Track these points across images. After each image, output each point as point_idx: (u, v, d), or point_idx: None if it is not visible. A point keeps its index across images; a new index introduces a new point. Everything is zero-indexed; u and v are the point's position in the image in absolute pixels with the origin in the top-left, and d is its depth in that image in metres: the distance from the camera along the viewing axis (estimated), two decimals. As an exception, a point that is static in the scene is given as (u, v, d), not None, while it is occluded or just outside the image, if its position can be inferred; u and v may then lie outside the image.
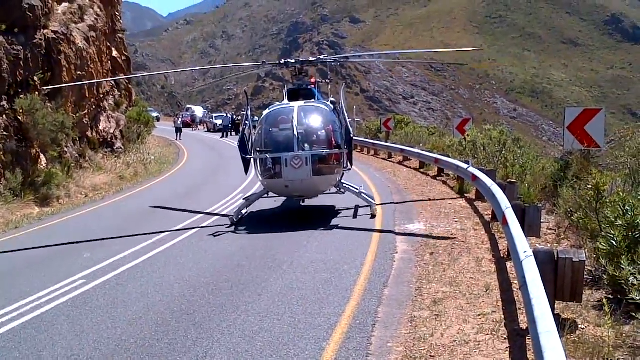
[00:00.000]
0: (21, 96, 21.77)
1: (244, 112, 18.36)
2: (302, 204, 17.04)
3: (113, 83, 34.46)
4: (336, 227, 14.76)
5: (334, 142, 15.47)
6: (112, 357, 7.30)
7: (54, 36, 24.55)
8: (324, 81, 21.19)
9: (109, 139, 31.91)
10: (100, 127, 31.05)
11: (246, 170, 16.24)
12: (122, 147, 33.15)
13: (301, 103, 16.20)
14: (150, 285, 10.39)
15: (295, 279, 10.18)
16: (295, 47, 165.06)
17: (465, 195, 18.54)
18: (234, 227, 15.29)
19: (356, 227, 14.66)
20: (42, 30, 23.81)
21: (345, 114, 16.03)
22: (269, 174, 15.28)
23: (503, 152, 20.11)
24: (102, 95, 31.36)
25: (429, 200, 18.29)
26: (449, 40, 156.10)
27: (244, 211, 16.52)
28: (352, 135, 16.22)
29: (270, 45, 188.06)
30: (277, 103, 17.95)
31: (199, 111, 76.38)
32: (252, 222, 15.94)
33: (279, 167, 14.77)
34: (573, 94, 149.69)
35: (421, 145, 29.62)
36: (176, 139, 49.80)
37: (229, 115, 60.77)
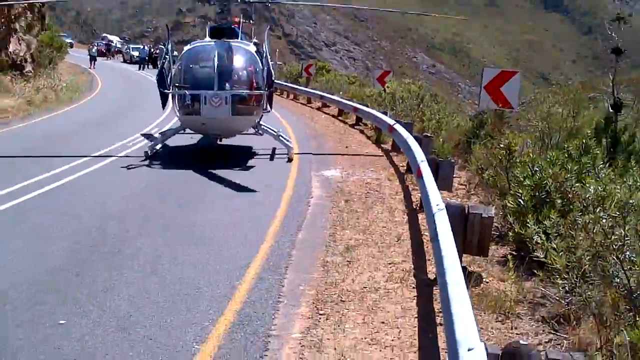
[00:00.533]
0: None
1: (163, 46, 17.88)
2: (219, 143, 16.88)
3: (26, 5, 32.86)
4: (252, 167, 14.76)
5: (254, 84, 15.30)
6: (16, 288, 7.07)
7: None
8: (247, 22, 20.85)
9: (19, 62, 30.61)
10: (10, 49, 29.73)
11: (163, 104, 15.92)
12: (32, 71, 31.86)
13: (224, 41, 15.84)
14: (57, 214, 10.09)
15: (208, 218, 10.13)
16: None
17: (382, 145, 18.77)
18: (148, 160, 15.00)
19: (273, 169, 14.68)
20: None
21: (268, 57, 15.84)
22: (186, 110, 15.05)
23: (420, 107, 20.40)
24: (13, 17, 29.91)
25: (346, 147, 18.45)
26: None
27: (158, 146, 16.17)
28: (273, 78, 16.09)
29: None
30: (199, 40, 17.55)
31: (114, 40, 74.03)
32: (167, 158, 15.67)
33: (198, 104, 14.53)
34: (490, 54, 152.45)
35: (341, 93, 29.68)
36: (90, 67, 48.16)
37: (146, 47, 59.05)
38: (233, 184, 12.82)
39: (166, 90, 15.34)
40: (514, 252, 8.21)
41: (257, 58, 16.01)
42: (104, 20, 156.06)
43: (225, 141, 16.65)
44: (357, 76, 46.73)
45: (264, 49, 16.16)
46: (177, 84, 15.21)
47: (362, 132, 21.89)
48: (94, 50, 52.40)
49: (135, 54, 57.48)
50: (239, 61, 15.51)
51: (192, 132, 16.17)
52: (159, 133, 16.96)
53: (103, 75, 43.18)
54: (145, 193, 11.92)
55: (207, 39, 16.64)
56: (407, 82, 23.54)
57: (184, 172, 13.94)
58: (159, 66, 16.45)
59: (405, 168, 14.56)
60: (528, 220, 7.72)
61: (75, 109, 27.15)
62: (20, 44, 30.86)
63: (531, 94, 20.34)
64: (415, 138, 13.87)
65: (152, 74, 46.19)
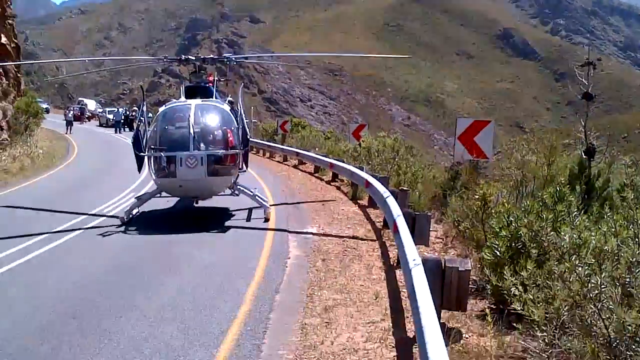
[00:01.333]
0: None
1: (138, 108, 17.88)
2: (196, 205, 16.80)
3: (0, 70, 32.95)
4: (229, 229, 14.68)
5: (230, 143, 15.26)
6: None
7: None
8: (222, 80, 20.99)
9: (-6, 130, 30.53)
10: (-16, 117, 29.67)
11: (139, 168, 15.84)
12: (8, 138, 31.75)
13: (198, 101, 15.95)
14: (33, 287, 9.92)
15: (187, 283, 10.03)
16: (194, 43, 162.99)
17: (359, 201, 18.80)
18: (124, 227, 14.84)
19: (249, 229, 14.62)
20: None
21: (243, 115, 15.92)
22: (162, 173, 14.98)
23: (396, 160, 20.52)
24: (-14, 84, 29.96)
25: (322, 202, 18.46)
26: (348, 45, 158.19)
27: (134, 211, 16.02)
28: (248, 137, 16.15)
29: (168, 41, 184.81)
30: (174, 100, 17.59)
31: (91, 104, 74.28)
32: (143, 223, 15.49)
33: (174, 166, 14.51)
34: (465, 104, 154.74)
35: (316, 149, 29.83)
36: (66, 133, 48.08)
37: (120, 110, 59.28)
38: (209, 247, 12.72)
39: (141, 153, 15.29)
40: (492, 306, 8.18)
41: (232, 117, 16.04)
42: (80, 84, 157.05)
43: (201, 203, 16.55)
44: (333, 131, 47.15)
45: (239, 107, 16.24)
46: (152, 146, 15.16)
47: (338, 188, 21.93)
48: (70, 115, 52.45)
49: (111, 116, 57.50)
50: (213, 121, 15.55)
51: (169, 195, 16.09)
52: (135, 197, 16.83)
53: (79, 140, 43.05)
54: (119, 263, 11.68)
55: (182, 99, 16.72)
56: (382, 135, 23.67)
57: (160, 237, 13.82)
58: (135, 128, 16.42)
59: (382, 223, 14.55)
60: (505, 272, 7.70)
61: (51, 176, 26.96)
62: (-6, 112, 30.83)
63: (506, 143, 20.56)
64: (391, 192, 13.90)
65: (128, 137, 46.38)
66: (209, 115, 15.55)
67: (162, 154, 14.83)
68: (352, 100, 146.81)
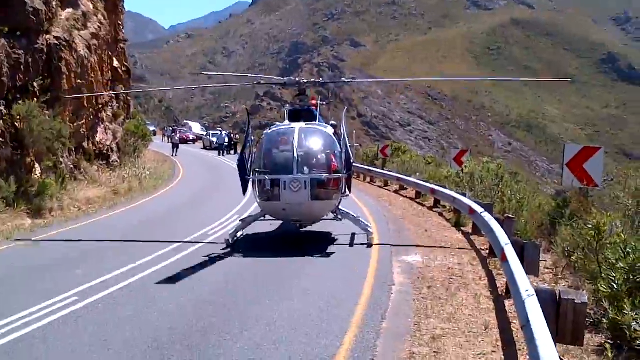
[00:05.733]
0: (19, 102, 21.59)
1: (243, 131, 18.14)
2: (300, 230, 16.90)
3: (112, 94, 34.34)
4: (332, 253, 14.66)
5: (333, 167, 15.31)
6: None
7: (56, 42, 24.34)
8: (323, 103, 21.10)
9: (105, 151, 31.72)
10: (97, 139, 30.85)
11: (244, 190, 16.07)
12: (118, 160, 32.97)
13: (302, 125, 16.04)
14: (143, 305, 10.19)
15: (292, 307, 10.04)
16: (295, 67, 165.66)
17: (462, 228, 18.50)
18: (229, 249, 15.11)
19: (353, 255, 14.58)
20: (44, 35, 23.64)
21: (347, 139, 15.97)
22: (266, 196, 15.11)
23: (500, 186, 20.10)
24: (100, 106, 31.19)
25: (425, 229, 18.26)
26: (447, 70, 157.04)
27: (239, 233, 16.31)
28: (352, 161, 16.16)
29: (270, 64, 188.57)
30: (278, 123, 17.82)
31: (196, 127, 76.44)
32: (248, 246, 15.70)
33: (278, 189, 14.63)
34: (567, 130, 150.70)
35: (417, 174, 29.64)
36: (172, 155, 49.57)
37: (224, 133, 60.47)
38: (314, 272, 12.78)
39: (246, 176, 15.54)
40: (610, 341, 7.83)
41: (335, 140, 16.13)
42: (185, 107, 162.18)
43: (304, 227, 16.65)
44: (434, 156, 46.68)
45: (342, 131, 16.31)
46: (256, 169, 15.38)
47: (440, 214, 21.66)
48: (176, 137, 54.09)
49: (214, 139, 58.82)
50: (317, 144, 15.64)
51: (273, 218, 16.29)
52: (240, 220, 17.05)
53: (184, 163, 44.39)
54: (225, 286, 11.82)
55: (286, 122, 16.92)
56: (486, 160, 23.24)
57: (265, 260, 13.97)
58: (240, 152, 16.70)
59: (487, 251, 14.26)
60: (625, 306, 7.39)
61: (158, 197, 27.87)
62: (107, 133, 32.07)
63: (614, 171, 19.82)
64: (497, 220, 13.62)
65: (231, 160, 47.43)
66: (312, 139, 15.64)
67: (266, 177, 14.97)
68: (452, 125, 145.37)
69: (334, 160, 15.41)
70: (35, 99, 22.31)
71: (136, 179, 31.55)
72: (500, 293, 10.80)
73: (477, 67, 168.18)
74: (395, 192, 29.56)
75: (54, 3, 24.92)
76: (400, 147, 44.43)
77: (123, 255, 14.23)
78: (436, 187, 22.58)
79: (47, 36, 23.91)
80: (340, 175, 15.45)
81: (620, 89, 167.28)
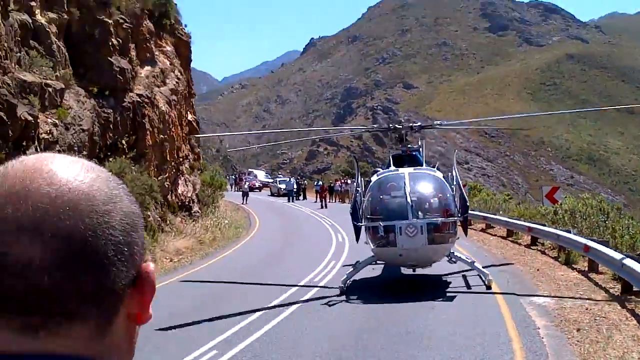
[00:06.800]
0: (110, 159, 21.94)
1: (357, 178, 17.89)
2: (404, 273, 16.61)
3: (189, 146, 34.80)
4: (454, 297, 14.22)
5: (447, 210, 15.07)
6: None
7: (139, 100, 24.82)
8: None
9: (187, 203, 32.01)
10: (179, 191, 31.20)
11: (357, 237, 15.87)
12: (199, 210, 33.21)
13: (411, 169, 15.92)
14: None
15: (445, 356, 9.66)
16: (349, 112, 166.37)
17: (573, 265, 17.88)
18: (344, 296, 14.77)
19: (475, 296, 14.15)
20: (129, 93, 24.09)
21: (460, 181, 15.73)
22: (381, 242, 14.88)
23: (606, 222, 19.47)
24: (181, 159, 31.61)
25: (537, 270, 17.70)
26: (502, 107, 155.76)
27: (351, 279, 15.96)
28: (467, 203, 15.87)
29: (323, 110, 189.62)
30: (384, 169, 17.62)
31: (260, 175, 76.98)
32: (361, 291, 15.27)
33: (393, 235, 14.38)
34: (630, 161, 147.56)
35: (500, 212, 29.15)
36: (242, 203, 49.70)
37: (292, 179, 60.49)
38: (444, 316, 12.36)
39: (359, 223, 15.34)
40: None
41: (445, 183, 15.91)
42: (242, 155, 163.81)
43: (409, 270, 16.24)
44: (509, 193, 45.91)
45: (455, 174, 16.11)
46: (368, 216, 15.19)
47: (543, 252, 21.01)
48: (245, 186, 54.43)
49: (282, 186, 58.95)
50: (429, 188, 15.48)
51: (385, 263, 16.01)
52: (352, 266, 16.53)
53: (256, 210, 44.19)
54: (349, 336, 11.38)
55: (392, 167, 16.74)
56: (585, 196, 22.66)
57: (386, 306, 13.59)
58: (351, 199, 16.59)
59: (620, 290, 13.69)
60: None
61: (245, 246, 27.79)
62: (187, 185, 32.40)
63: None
64: (629, 257, 13.15)
65: (302, 206, 47.46)
66: (424, 183, 15.50)
67: (380, 223, 14.75)
68: (511, 162, 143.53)
69: (446, 203, 15.15)
70: (124, 156, 22.67)
71: (217, 229, 31.65)
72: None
73: (533, 102, 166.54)
74: (482, 230, 28.93)
75: (135, 62, 25.49)
76: (476, 186, 43.82)
77: (232, 314, 13.94)
78: (534, 225, 22.12)
79: (131, 94, 24.37)
80: (455, 218, 15.18)
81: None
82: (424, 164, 17.46)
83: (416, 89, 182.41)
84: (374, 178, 16.61)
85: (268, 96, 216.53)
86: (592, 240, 16.55)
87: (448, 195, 15.53)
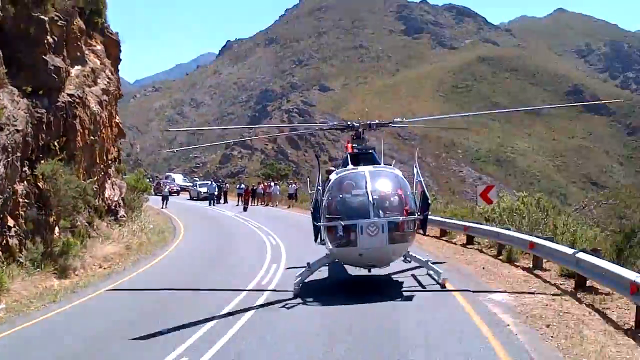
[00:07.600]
0: (42, 161, 20.95)
1: (219, 182, 17.51)
2: (352, 274, 16.59)
3: (117, 149, 33.74)
4: (411, 296, 14.11)
5: (408, 208, 14.91)
6: None
7: (70, 100, 23.79)
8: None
9: (114, 207, 30.99)
10: (106, 195, 30.16)
11: (316, 238, 15.60)
12: (125, 215, 32.20)
13: (371, 168, 15.70)
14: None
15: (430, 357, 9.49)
16: (264, 114, 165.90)
17: (515, 263, 18.15)
18: (299, 299, 14.40)
19: (436, 297, 14.08)
20: (62, 93, 23.07)
21: (421, 178, 15.74)
22: (340, 242, 14.50)
23: (546, 219, 19.90)
24: (110, 161, 30.59)
25: (483, 268, 17.91)
26: (417, 109, 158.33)
27: (305, 280, 15.51)
28: (429, 201, 15.85)
29: (238, 113, 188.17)
30: (340, 168, 17.19)
31: (178, 178, 75.63)
32: (316, 294, 14.86)
33: (354, 234, 14.10)
34: (535, 162, 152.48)
35: (430, 212, 29.51)
36: (162, 207, 48.38)
37: (214, 183, 59.11)
38: (411, 318, 12.17)
39: (318, 223, 15.09)
40: None
41: (406, 182, 15.83)
42: (154, 159, 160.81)
43: (360, 271, 16.07)
44: (433, 193, 46.55)
45: (416, 171, 16.12)
46: (327, 215, 14.94)
47: (481, 251, 21.33)
48: (166, 189, 53.22)
49: (203, 190, 57.62)
50: (389, 186, 15.20)
51: (343, 263, 15.90)
52: (307, 267, 15.72)
53: (178, 215, 42.93)
54: (317, 342, 10.90)
55: (350, 166, 16.43)
56: (522, 194, 23.18)
57: (347, 307, 13.29)
58: (312, 199, 16.29)
59: (573, 285, 13.97)
60: None
61: (176, 250, 27.07)
62: (113, 189, 31.37)
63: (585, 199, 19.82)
64: (584, 252, 13.47)
65: (225, 209, 46.72)
66: (385, 181, 15.26)
67: (340, 222, 14.41)
68: (423, 164, 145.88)
69: (407, 201, 15.05)
70: (57, 158, 21.70)
71: (143, 233, 30.73)
72: (631, 327, 10.45)
73: (446, 104, 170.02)
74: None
75: (67, 60, 24.45)
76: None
77: (201, 307, 13.72)
78: (470, 224, 22.51)
79: (63, 94, 23.33)
80: (416, 216, 15.07)
81: (585, 119, 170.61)
82: (382, 162, 17.29)
83: (332, 91, 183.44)
84: (332, 177, 16.20)
85: (182, 99, 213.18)
86: (537, 237, 16.84)
87: (408, 193, 15.40)
